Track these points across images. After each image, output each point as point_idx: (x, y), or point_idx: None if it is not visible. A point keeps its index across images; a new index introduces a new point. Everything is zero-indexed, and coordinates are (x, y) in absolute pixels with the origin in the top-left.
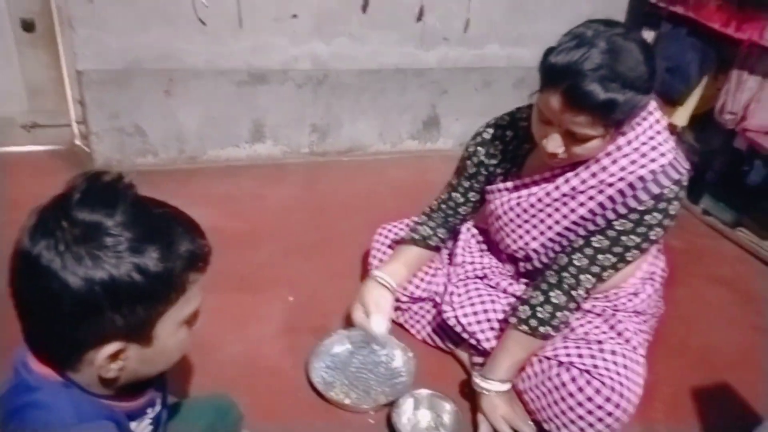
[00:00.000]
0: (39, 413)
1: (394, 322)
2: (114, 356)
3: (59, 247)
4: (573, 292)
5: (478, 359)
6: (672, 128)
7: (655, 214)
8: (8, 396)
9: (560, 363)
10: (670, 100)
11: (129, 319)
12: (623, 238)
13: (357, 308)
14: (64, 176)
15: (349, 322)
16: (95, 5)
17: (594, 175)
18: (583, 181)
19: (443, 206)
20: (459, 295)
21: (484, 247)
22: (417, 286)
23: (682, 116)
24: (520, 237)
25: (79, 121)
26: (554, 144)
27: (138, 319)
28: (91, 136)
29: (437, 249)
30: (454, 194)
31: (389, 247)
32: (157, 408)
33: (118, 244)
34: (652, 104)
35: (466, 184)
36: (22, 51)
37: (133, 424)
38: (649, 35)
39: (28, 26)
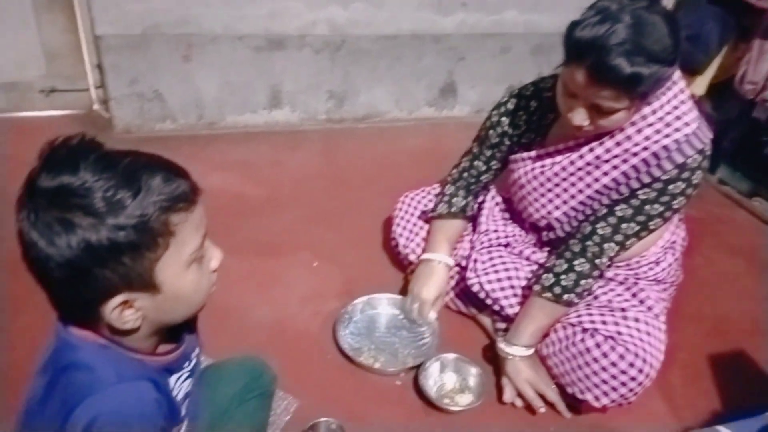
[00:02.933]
0: (81, 374)
1: None
2: (123, 307)
3: (31, 218)
4: (597, 261)
5: (501, 325)
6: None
7: (678, 183)
8: (55, 357)
9: (585, 329)
10: (689, 69)
11: (120, 272)
12: (647, 206)
13: (429, 302)
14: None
15: (374, 290)
16: None
17: (619, 144)
18: (608, 150)
19: (465, 174)
20: (483, 262)
21: (507, 215)
22: None
23: (700, 85)
24: (543, 206)
25: (98, 85)
26: (580, 117)
27: (129, 270)
28: (111, 101)
29: (473, 217)
30: (476, 162)
31: (413, 215)
32: (193, 361)
33: (85, 204)
34: (677, 74)
35: (489, 153)
36: (39, 15)
37: (172, 379)
38: (668, 3)
39: None
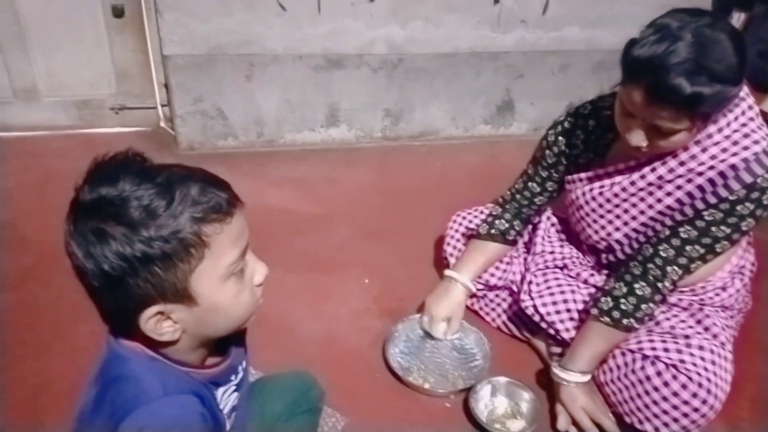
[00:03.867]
0: (129, 386)
1: (469, 308)
2: (159, 318)
3: (71, 230)
4: (659, 284)
5: (556, 349)
6: (763, 116)
7: (747, 204)
8: (105, 368)
9: (645, 356)
10: (762, 86)
11: (153, 282)
12: (713, 228)
13: (439, 320)
14: (150, 157)
15: (421, 309)
16: None
17: (682, 163)
18: (671, 170)
19: (518, 196)
20: (537, 284)
21: (563, 236)
22: (492, 275)
23: None
24: (603, 227)
25: (164, 104)
26: (638, 138)
27: (162, 280)
28: (176, 118)
29: (514, 242)
30: (530, 184)
31: (463, 235)
32: (240, 374)
33: (119, 214)
34: (744, 90)
35: (544, 173)
36: (111, 36)
37: (219, 392)
38: (739, 17)
39: (118, 12)
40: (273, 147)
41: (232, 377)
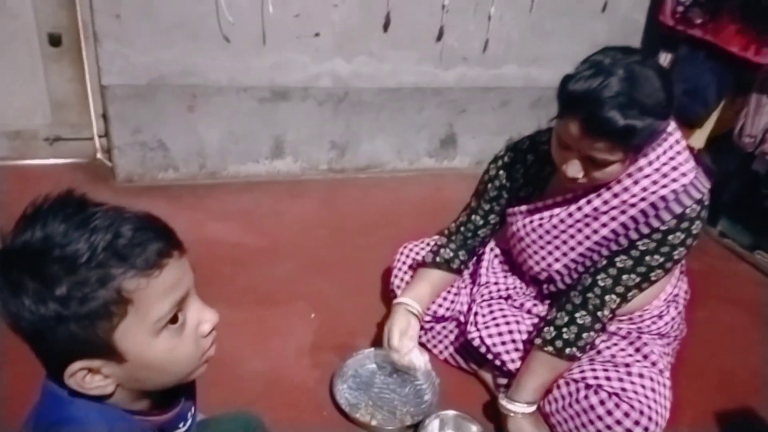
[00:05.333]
0: (73, 429)
1: None
2: (86, 374)
3: None
4: (598, 313)
5: (503, 380)
6: (689, 150)
7: (677, 233)
8: (43, 410)
9: (588, 386)
10: (688, 123)
11: (72, 339)
12: (647, 257)
13: (391, 339)
14: (85, 190)
15: (374, 342)
16: (122, 21)
17: (616, 195)
18: (605, 202)
19: (462, 228)
20: (483, 315)
21: (507, 267)
22: (440, 305)
23: (699, 138)
24: (543, 258)
25: (101, 134)
26: (574, 169)
27: (81, 338)
28: (114, 150)
29: (459, 271)
30: (474, 217)
31: (410, 267)
32: (189, 422)
33: (35, 268)
34: (672, 125)
35: (487, 206)
36: (47, 65)
37: None
38: (666, 58)
39: (54, 41)
40: (215, 179)
41: (180, 424)
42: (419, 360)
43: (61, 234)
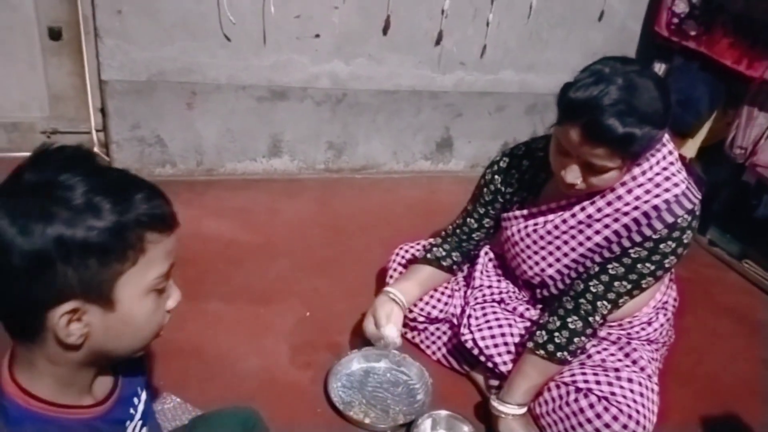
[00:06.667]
0: None
1: (410, 341)
2: (73, 317)
3: (8, 204)
4: (590, 318)
5: (494, 382)
6: (681, 159)
7: (669, 242)
8: None
9: (578, 389)
10: (680, 133)
11: (82, 274)
12: (638, 265)
13: (369, 320)
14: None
15: (364, 341)
16: (123, 16)
17: (610, 203)
18: (599, 210)
19: (457, 231)
20: (477, 318)
21: (500, 272)
22: (434, 307)
23: (691, 148)
24: (536, 264)
25: (99, 129)
26: (573, 175)
27: (92, 274)
28: (111, 144)
29: (451, 271)
30: (468, 220)
31: (405, 267)
32: (141, 406)
33: (68, 198)
34: (666, 136)
35: (482, 210)
36: (47, 59)
37: (129, 429)
38: (660, 68)
39: (55, 35)
40: (212, 176)
41: (131, 410)
42: (391, 331)
43: (85, 177)
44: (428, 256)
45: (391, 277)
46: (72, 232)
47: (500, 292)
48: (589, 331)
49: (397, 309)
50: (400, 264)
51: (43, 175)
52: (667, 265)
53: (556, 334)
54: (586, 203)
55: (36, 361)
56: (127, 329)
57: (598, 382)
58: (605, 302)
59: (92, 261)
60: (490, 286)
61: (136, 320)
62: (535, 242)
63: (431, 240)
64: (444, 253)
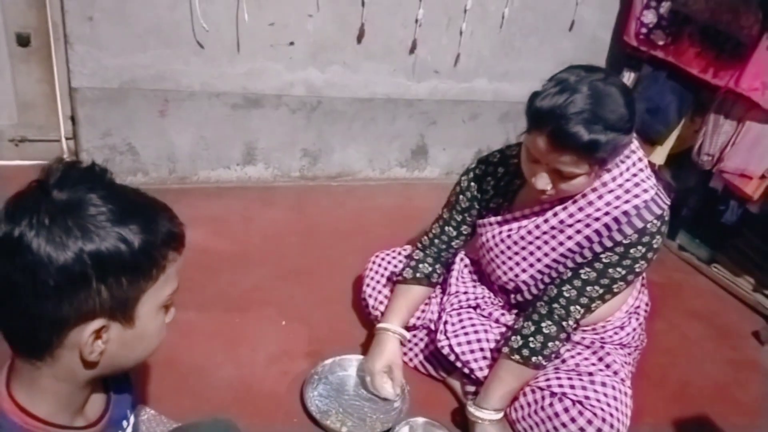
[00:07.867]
0: None
1: None
2: (98, 334)
3: (44, 222)
4: (563, 323)
5: (471, 388)
6: (650, 166)
7: (639, 247)
8: None
9: (553, 393)
10: (649, 140)
11: (114, 293)
12: (610, 270)
13: (379, 373)
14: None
15: (344, 350)
16: (95, 23)
17: (581, 209)
18: (571, 215)
19: (436, 240)
20: (453, 324)
21: (476, 277)
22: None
23: (660, 155)
24: (511, 269)
25: (69, 137)
26: (543, 182)
27: (123, 293)
28: (82, 152)
29: (437, 284)
30: (447, 228)
31: (382, 276)
32: (129, 427)
33: (101, 216)
34: (635, 143)
35: (459, 218)
36: (15, 65)
37: None
38: (629, 77)
39: (23, 41)
40: (185, 184)
41: (124, 423)
42: (385, 391)
43: (111, 196)
44: (417, 275)
45: (367, 285)
46: (108, 250)
47: (476, 298)
48: (563, 335)
49: (398, 360)
50: (377, 272)
51: (73, 194)
52: (637, 270)
53: (531, 338)
54: (558, 209)
55: (39, 379)
56: (139, 344)
57: (572, 387)
58: (578, 307)
59: (124, 279)
60: (465, 292)
61: (149, 335)
62: (509, 248)
63: (409, 250)
64: (430, 269)
